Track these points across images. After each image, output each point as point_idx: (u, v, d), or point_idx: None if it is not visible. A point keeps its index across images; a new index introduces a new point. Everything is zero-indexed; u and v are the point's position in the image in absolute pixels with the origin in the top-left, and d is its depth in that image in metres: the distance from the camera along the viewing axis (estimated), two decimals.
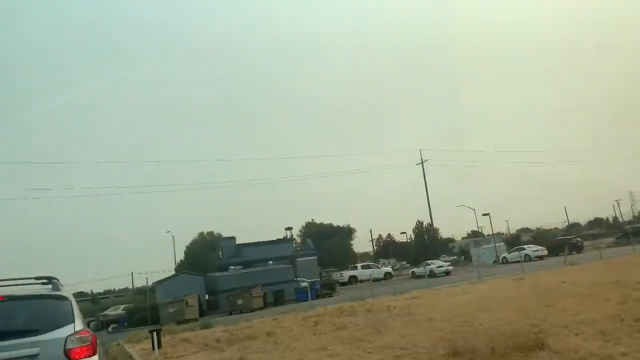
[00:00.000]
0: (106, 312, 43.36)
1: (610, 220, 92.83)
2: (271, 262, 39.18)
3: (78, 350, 5.17)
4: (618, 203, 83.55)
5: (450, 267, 42.75)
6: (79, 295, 72.40)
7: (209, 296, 34.72)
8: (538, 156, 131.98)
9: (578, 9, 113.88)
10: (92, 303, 67.71)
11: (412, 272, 44.75)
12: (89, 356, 5.28)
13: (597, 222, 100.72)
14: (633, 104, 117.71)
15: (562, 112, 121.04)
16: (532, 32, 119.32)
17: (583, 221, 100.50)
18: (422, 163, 57.35)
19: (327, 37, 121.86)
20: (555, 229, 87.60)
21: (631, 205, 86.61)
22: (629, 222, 74.17)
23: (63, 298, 5.64)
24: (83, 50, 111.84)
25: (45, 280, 6.01)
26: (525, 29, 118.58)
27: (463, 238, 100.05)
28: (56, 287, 5.87)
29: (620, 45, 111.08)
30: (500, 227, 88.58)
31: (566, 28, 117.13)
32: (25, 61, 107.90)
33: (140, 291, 56.66)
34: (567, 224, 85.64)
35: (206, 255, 57.28)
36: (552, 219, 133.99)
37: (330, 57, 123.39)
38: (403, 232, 73.35)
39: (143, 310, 32.04)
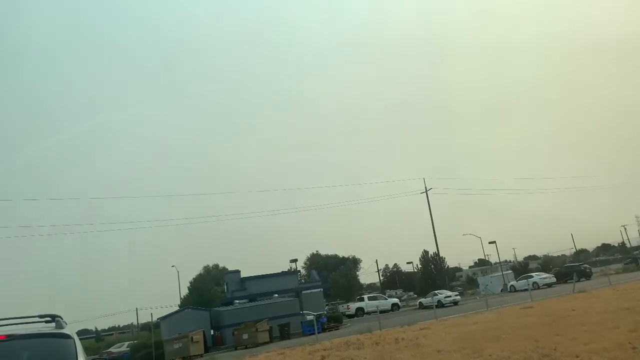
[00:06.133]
0: (110, 349, 42.97)
1: (617, 245, 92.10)
2: (276, 295, 38.81)
3: None
4: (625, 228, 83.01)
5: (458, 297, 42.24)
6: (83, 332, 71.83)
7: (214, 331, 34.31)
8: (543, 183, 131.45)
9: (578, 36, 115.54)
10: (96, 340, 67.07)
11: (420, 302, 44.22)
12: None
13: (604, 248, 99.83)
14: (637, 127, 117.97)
15: (569, 138, 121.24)
16: (533, 59, 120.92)
17: (590, 247, 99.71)
18: (426, 192, 57.25)
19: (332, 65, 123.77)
20: (563, 255, 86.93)
21: (638, 230, 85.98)
22: (637, 248, 73.54)
23: (66, 336, 5.60)
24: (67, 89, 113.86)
25: (48, 319, 5.98)
26: (526, 57, 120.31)
27: (470, 267, 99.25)
28: (59, 325, 5.83)
29: (623, 70, 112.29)
30: (507, 255, 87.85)
31: (567, 59, 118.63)
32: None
33: (145, 327, 56.14)
34: (575, 250, 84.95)
35: (210, 290, 56.95)
36: (559, 246, 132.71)
37: (334, 82, 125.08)
38: (409, 262, 72.78)
39: (148, 347, 31.69)
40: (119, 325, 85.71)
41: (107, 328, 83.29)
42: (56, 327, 5.82)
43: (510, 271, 55.84)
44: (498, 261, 62.41)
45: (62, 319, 6.03)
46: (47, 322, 6.00)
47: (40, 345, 5.53)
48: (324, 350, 15.69)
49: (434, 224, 57.37)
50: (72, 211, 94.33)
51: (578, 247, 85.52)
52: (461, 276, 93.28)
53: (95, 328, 78.46)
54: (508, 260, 77.26)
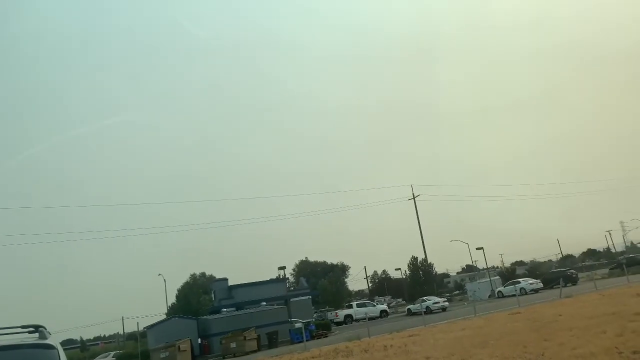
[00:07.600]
0: (96, 359, 42.43)
1: (603, 250, 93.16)
2: (264, 303, 38.58)
3: None
4: (610, 234, 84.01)
5: (446, 303, 42.35)
6: (67, 342, 70.65)
7: (201, 340, 34.00)
8: (530, 189, 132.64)
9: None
10: (81, 350, 66.09)
11: (408, 309, 44.25)
12: None
13: (590, 254, 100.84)
14: (621, 134, 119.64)
15: (555, 144, 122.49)
16: (519, 66, 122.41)
17: (576, 253, 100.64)
18: (414, 198, 57.50)
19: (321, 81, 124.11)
20: (550, 261, 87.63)
21: (623, 236, 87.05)
22: (622, 253, 74.42)
23: (50, 347, 5.49)
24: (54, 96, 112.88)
25: (31, 329, 5.86)
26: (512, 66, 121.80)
27: (458, 273, 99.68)
28: (43, 336, 5.71)
29: (608, 78, 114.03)
30: (494, 261, 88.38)
31: (560, 62, 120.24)
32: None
33: (131, 336, 55.53)
34: (561, 255, 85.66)
35: (198, 298, 56.51)
36: (545, 251, 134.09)
37: (326, 87, 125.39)
38: (398, 268, 72.69)
39: (134, 357, 31.38)
40: (104, 335, 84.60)
41: (92, 338, 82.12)
42: (39, 338, 5.71)
43: (497, 277, 56.05)
44: (486, 267, 62.73)
45: (45, 329, 5.92)
46: (30, 332, 5.88)
47: (23, 356, 5.41)
48: (313, 358, 15.63)
49: (422, 230, 57.67)
50: (55, 219, 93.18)
51: (564, 253, 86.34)
52: (449, 282, 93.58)
53: (80, 338, 77.27)
54: (495, 266, 77.67)
